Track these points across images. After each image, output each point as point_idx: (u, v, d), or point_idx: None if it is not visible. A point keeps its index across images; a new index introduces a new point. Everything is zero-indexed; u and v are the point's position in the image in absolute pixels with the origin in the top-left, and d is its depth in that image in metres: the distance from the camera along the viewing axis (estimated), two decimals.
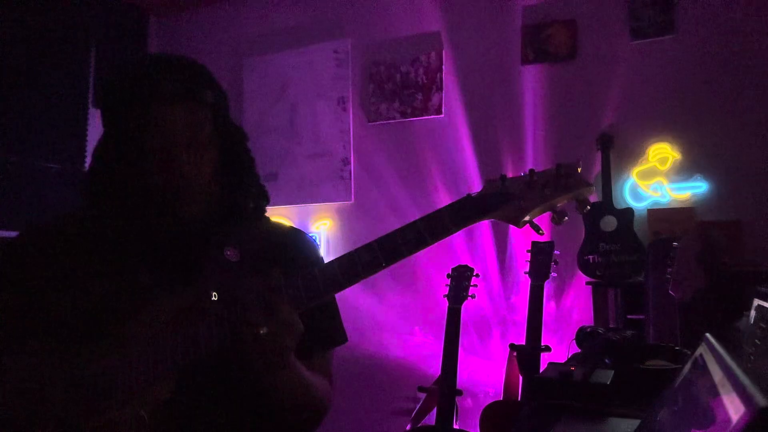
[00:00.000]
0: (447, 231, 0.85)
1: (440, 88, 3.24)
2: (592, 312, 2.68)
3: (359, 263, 0.86)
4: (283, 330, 0.85)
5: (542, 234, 0.90)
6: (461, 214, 0.85)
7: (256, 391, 0.94)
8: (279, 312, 0.84)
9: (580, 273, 2.73)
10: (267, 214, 1.16)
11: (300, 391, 0.97)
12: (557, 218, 0.86)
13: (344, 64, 3.50)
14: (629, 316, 2.55)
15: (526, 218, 0.85)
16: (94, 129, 3.42)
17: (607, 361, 1.46)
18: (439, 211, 0.86)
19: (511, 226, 0.86)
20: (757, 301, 1.25)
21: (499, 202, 0.85)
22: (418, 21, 3.33)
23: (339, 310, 1.15)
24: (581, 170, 0.85)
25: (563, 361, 1.64)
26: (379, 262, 0.85)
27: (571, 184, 0.84)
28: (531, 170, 0.86)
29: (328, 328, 1.11)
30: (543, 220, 0.89)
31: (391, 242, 0.86)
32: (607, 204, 2.71)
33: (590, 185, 0.85)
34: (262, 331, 0.83)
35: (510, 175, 0.87)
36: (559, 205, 0.86)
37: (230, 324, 0.86)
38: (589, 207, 0.86)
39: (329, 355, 1.12)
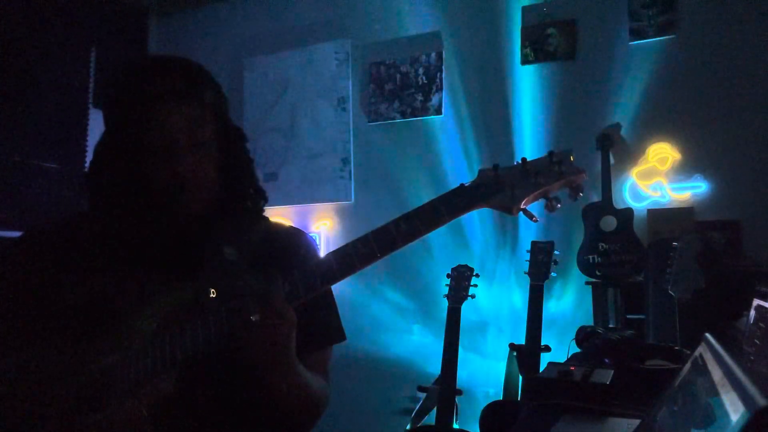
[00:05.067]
0: (441, 220, 0.85)
1: (440, 88, 3.24)
2: (592, 312, 2.68)
3: (354, 255, 0.86)
4: (276, 318, 0.86)
5: (536, 221, 0.91)
6: (455, 203, 0.86)
7: (255, 387, 0.95)
8: (271, 301, 0.86)
9: (580, 273, 2.72)
10: (267, 215, 1.17)
11: (297, 391, 0.97)
12: (550, 205, 0.86)
13: (344, 64, 3.50)
14: (629, 316, 2.55)
15: (520, 206, 0.85)
16: (94, 129, 3.42)
17: (606, 361, 1.46)
18: (433, 201, 0.86)
19: (509, 221, 0.86)
20: (756, 301, 1.25)
21: (493, 190, 0.85)
22: (418, 21, 3.33)
23: (338, 308, 1.15)
24: (573, 158, 0.85)
25: (563, 361, 1.63)
26: (374, 253, 0.86)
27: (564, 171, 0.84)
28: (523, 159, 0.86)
29: (326, 326, 1.11)
30: (546, 218, 0.89)
31: (385, 233, 0.86)
32: (606, 204, 2.71)
33: (582, 171, 0.85)
34: (253, 318, 0.85)
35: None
36: (552, 192, 0.86)
37: (225, 316, 0.87)
38: (581, 194, 0.86)
39: (327, 353, 1.13)
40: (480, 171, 0.88)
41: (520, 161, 0.86)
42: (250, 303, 0.86)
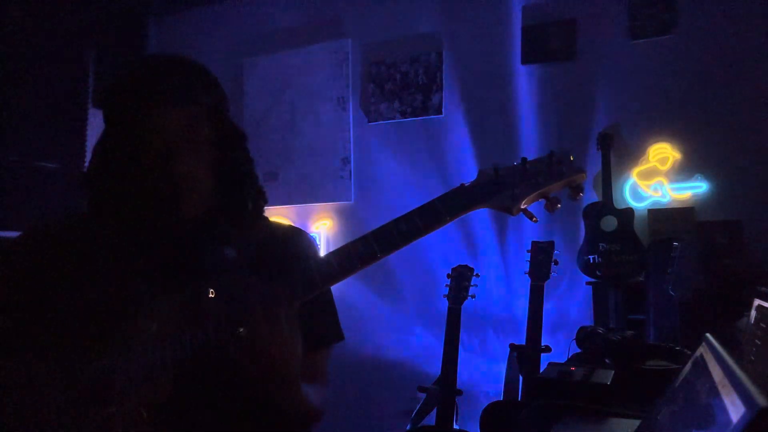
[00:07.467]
0: (441, 221, 0.85)
1: (440, 88, 3.24)
2: (592, 312, 2.68)
3: (354, 254, 0.86)
4: (267, 331, 0.84)
5: (536, 222, 0.91)
6: (455, 203, 0.85)
7: (249, 396, 0.94)
8: (263, 312, 0.84)
9: (580, 273, 2.72)
10: (267, 215, 1.16)
11: (293, 404, 0.96)
12: (551, 205, 0.86)
13: (344, 64, 3.50)
14: (629, 316, 2.55)
15: (520, 206, 0.85)
16: (94, 129, 3.42)
17: (607, 361, 1.46)
18: (433, 201, 0.86)
19: (509, 221, 0.86)
20: (757, 301, 1.25)
21: (493, 190, 0.85)
22: (418, 21, 3.33)
23: (336, 308, 1.15)
24: (573, 158, 0.85)
25: (563, 361, 1.63)
26: (374, 253, 0.85)
27: (564, 171, 0.84)
28: (523, 158, 0.86)
29: (324, 326, 1.11)
30: (547, 218, 0.89)
31: (385, 233, 0.86)
32: (607, 204, 2.71)
33: (583, 172, 0.85)
34: (240, 331, 0.84)
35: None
36: (552, 192, 0.86)
37: (214, 326, 0.87)
38: (582, 194, 0.86)
39: (325, 354, 1.12)
40: (480, 171, 0.87)
41: (520, 161, 0.86)
42: (240, 314, 0.84)
